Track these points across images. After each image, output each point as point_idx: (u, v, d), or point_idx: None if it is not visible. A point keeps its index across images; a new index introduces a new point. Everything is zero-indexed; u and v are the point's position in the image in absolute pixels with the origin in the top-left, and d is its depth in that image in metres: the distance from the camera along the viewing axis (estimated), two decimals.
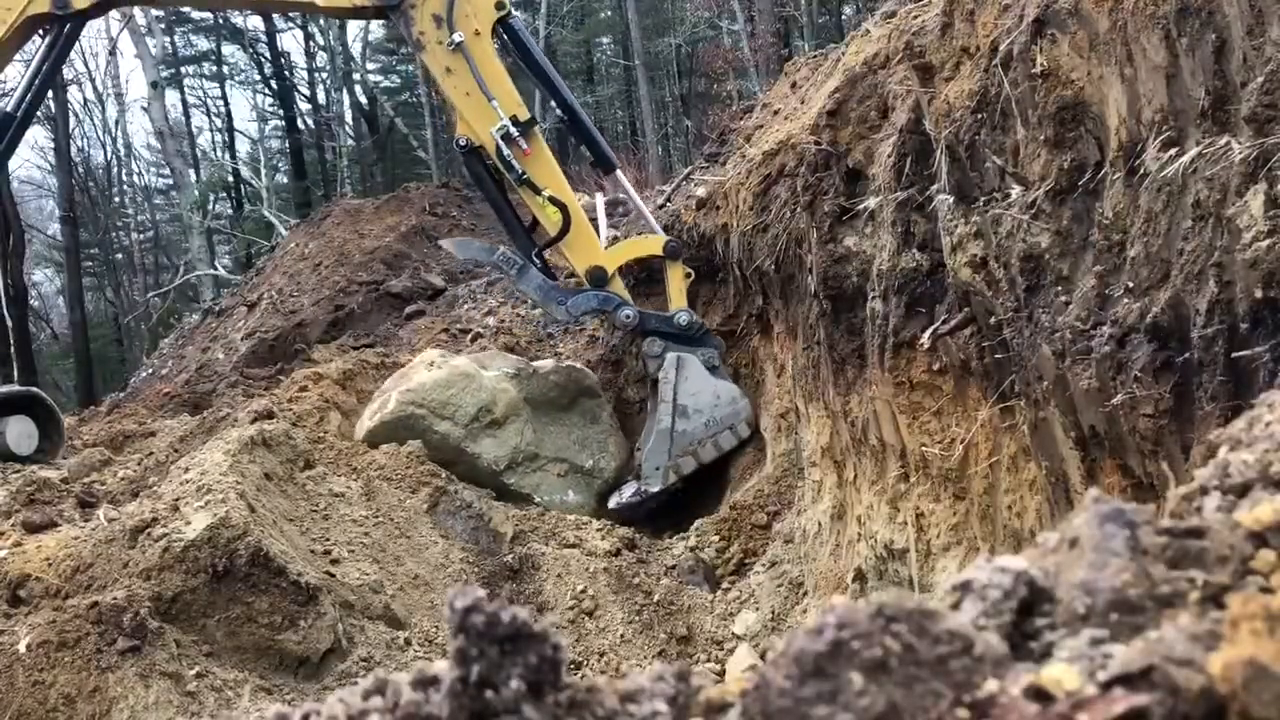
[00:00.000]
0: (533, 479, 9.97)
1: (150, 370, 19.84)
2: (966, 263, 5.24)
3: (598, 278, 10.37)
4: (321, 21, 33.91)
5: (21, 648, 5.92)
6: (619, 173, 11.61)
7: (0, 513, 7.64)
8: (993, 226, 4.94)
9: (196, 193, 29.88)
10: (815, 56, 11.54)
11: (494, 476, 9.74)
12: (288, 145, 39.59)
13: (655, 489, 9.95)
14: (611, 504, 10.12)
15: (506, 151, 10.02)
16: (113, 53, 32.96)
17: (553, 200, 10.16)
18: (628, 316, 10.26)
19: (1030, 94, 4.50)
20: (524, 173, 10.08)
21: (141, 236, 41.86)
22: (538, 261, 10.66)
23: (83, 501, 7.93)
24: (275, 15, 34.83)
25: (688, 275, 10.47)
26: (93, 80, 38.42)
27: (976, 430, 5.63)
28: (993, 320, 5.13)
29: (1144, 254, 3.79)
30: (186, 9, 38.12)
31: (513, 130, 10.01)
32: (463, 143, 10.29)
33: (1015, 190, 4.73)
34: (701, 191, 10.73)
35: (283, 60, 38.98)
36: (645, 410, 11.14)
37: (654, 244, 10.63)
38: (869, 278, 6.65)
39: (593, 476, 10.26)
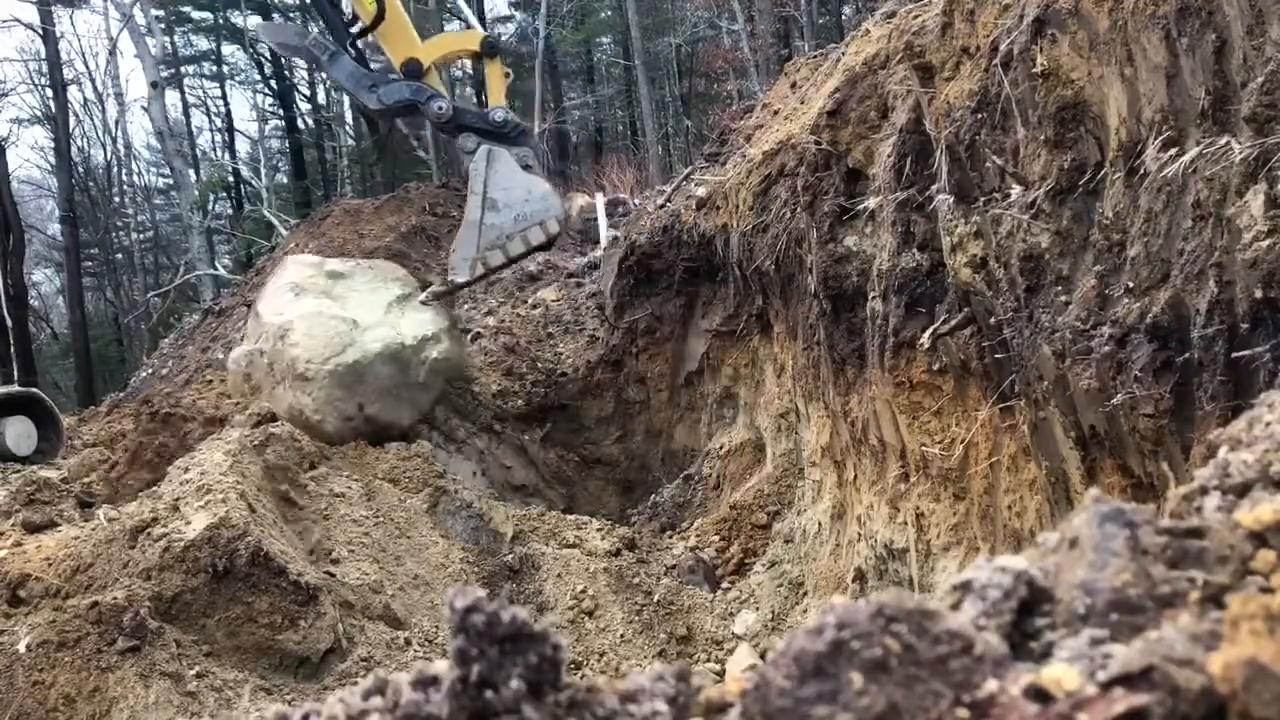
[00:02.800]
0: (412, 326, 10.22)
1: (150, 370, 19.85)
2: (966, 263, 5.24)
3: (412, 70, 10.27)
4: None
5: (21, 648, 5.92)
6: None
7: (0, 512, 7.64)
8: (993, 226, 4.94)
9: (196, 193, 29.89)
10: (815, 56, 11.55)
11: (426, 345, 10.05)
12: (288, 145, 39.60)
13: (461, 279, 10.11)
14: (421, 299, 10.36)
15: None
16: (113, 53, 32.97)
17: None
18: (440, 108, 10.19)
19: (1030, 94, 4.50)
20: None
21: (141, 236, 41.87)
22: (352, 51, 10.56)
23: (83, 501, 7.93)
24: (275, 14, 34.80)
25: (506, 75, 10.50)
26: (93, 80, 38.46)
27: (976, 430, 5.63)
28: (993, 320, 5.13)
29: (1144, 254, 3.79)
30: (187, 8, 38.15)
31: None
32: None
33: (1015, 190, 4.73)
34: (701, 191, 10.73)
35: (283, 60, 38.97)
36: (648, 409, 11.12)
37: (471, 39, 10.65)
38: (869, 278, 6.65)
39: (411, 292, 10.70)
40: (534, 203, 10.01)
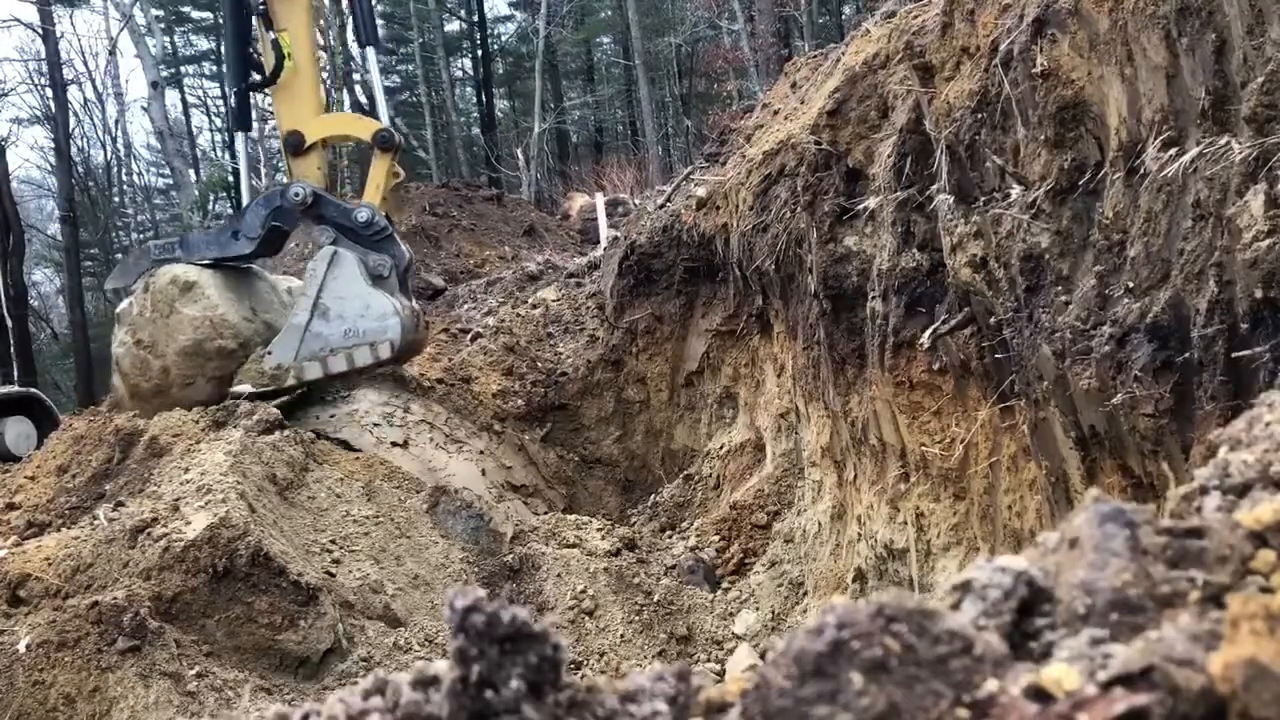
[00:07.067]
0: None
1: None
2: (966, 263, 5.24)
3: (294, 144, 9.64)
4: (321, 21, 33.90)
5: (21, 648, 5.92)
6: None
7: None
8: (993, 226, 4.94)
9: (196, 193, 29.91)
10: (815, 56, 11.55)
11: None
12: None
13: (272, 389, 9.27)
14: (232, 389, 9.58)
15: None
16: (113, 53, 32.97)
17: (276, 45, 9.49)
18: (297, 194, 9.40)
19: (1030, 94, 4.50)
20: (263, 2, 9.43)
21: (141, 236, 41.91)
22: (236, 100, 10.00)
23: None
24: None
25: (396, 175, 9.76)
26: (93, 80, 38.48)
27: (976, 430, 5.63)
28: (993, 320, 5.13)
29: (1144, 254, 3.79)
30: (187, 8, 38.20)
31: None
32: None
33: (1015, 190, 4.73)
34: (701, 191, 10.73)
35: None
36: (648, 409, 11.10)
37: (366, 126, 9.89)
38: (869, 278, 6.65)
39: None
40: (370, 320, 9.12)
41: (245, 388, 9.49)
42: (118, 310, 10.15)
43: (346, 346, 9.13)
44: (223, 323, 9.46)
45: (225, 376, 9.55)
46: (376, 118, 10.45)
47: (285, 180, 10.03)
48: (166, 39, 36.91)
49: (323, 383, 9.62)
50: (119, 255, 40.83)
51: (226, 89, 10.15)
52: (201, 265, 9.76)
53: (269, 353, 9.32)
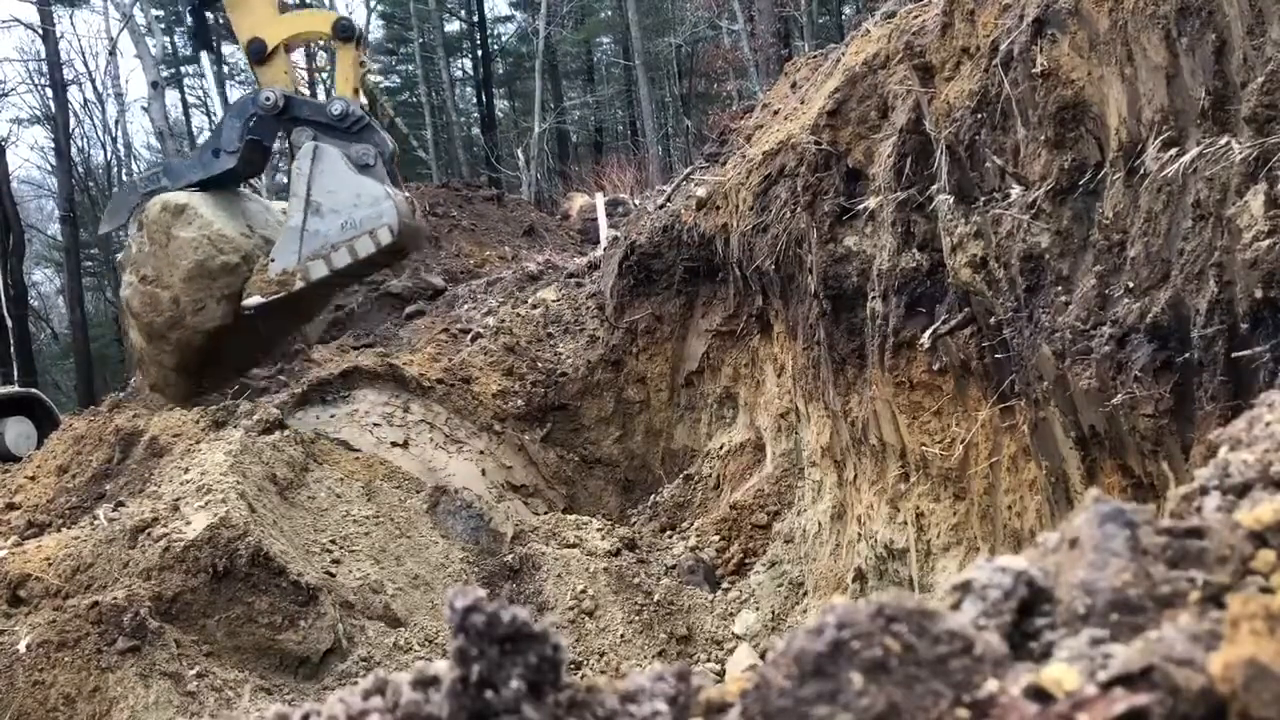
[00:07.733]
0: None
1: None
2: (966, 263, 5.24)
3: (256, 50, 9.58)
4: None
5: (21, 648, 5.92)
6: None
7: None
8: (993, 226, 4.94)
9: None
10: (815, 56, 11.54)
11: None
12: (288, 145, 39.61)
13: (281, 293, 9.22)
14: (243, 303, 9.46)
15: None
16: (113, 53, 32.98)
17: None
18: (267, 99, 9.44)
19: (1030, 94, 4.50)
20: None
21: None
22: (194, 19, 9.97)
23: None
24: None
25: (361, 64, 9.63)
26: (93, 80, 38.49)
27: (976, 430, 5.63)
28: (993, 320, 5.13)
29: (1144, 254, 3.79)
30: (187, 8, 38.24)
31: None
32: None
33: (1015, 190, 4.73)
34: (701, 191, 10.73)
35: None
36: (648, 409, 11.08)
37: (323, 19, 9.81)
38: (869, 278, 6.65)
39: None
40: (363, 208, 8.98)
41: (256, 299, 9.39)
42: (119, 259, 10.17)
43: (346, 239, 9.03)
44: (221, 238, 9.46)
45: (234, 294, 9.50)
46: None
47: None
48: (166, 39, 36.92)
49: (332, 281, 9.47)
50: (119, 255, 40.81)
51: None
52: (190, 190, 9.74)
53: (272, 260, 9.26)
